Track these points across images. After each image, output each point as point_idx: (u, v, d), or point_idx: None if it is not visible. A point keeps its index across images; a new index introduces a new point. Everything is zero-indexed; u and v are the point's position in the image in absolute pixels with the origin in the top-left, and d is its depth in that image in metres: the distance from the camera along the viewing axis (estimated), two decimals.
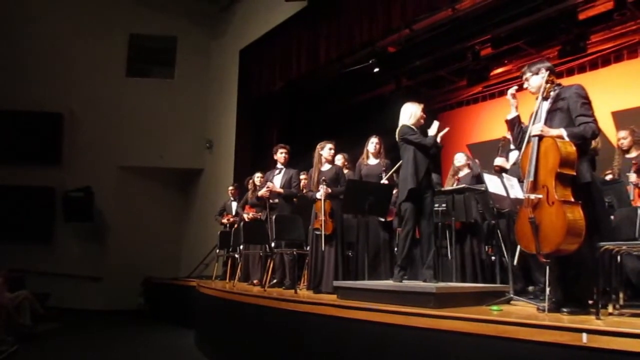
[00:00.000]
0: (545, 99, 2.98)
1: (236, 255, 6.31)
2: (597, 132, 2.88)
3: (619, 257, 3.54)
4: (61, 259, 9.42)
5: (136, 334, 7.33)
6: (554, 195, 2.73)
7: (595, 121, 2.87)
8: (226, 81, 9.72)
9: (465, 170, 4.86)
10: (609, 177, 4.49)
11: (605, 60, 6.67)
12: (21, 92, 9.35)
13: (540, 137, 2.86)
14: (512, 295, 3.44)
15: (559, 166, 2.75)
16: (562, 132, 2.82)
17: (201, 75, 10.48)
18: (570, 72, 6.79)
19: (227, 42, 10.00)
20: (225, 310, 5.23)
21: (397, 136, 3.86)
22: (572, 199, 2.74)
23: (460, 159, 4.91)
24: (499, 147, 4.35)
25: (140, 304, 9.39)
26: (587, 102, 2.88)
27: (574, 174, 2.77)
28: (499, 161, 4.20)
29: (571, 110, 2.88)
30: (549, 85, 2.95)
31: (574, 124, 2.86)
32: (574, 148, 2.78)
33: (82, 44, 9.78)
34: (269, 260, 5.24)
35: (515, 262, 4.08)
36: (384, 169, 4.53)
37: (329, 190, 4.60)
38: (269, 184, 5.37)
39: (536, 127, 2.89)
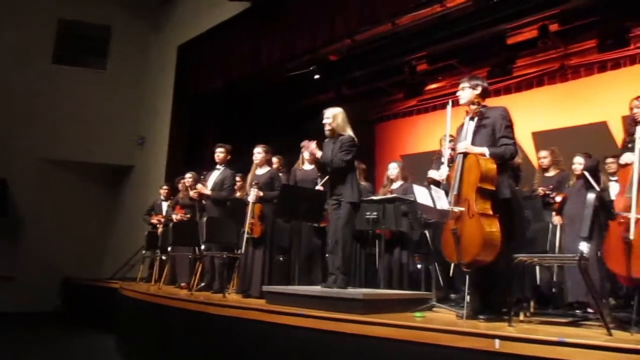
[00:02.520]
0: (471, 119, 3.16)
1: (163, 257, 6.10)
2: (515, 155, 3.10)
3: (537, 268, 3.82)
4: None
5: (52, 337, 6.86)
6: (474, 208, 2.89)
7: (515, 144, 3.09)
8: (162, 76, 9.40)
9: (399, 182, 5.00)
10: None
11: (528, 84, 7.17)
12: None
13: (465, 154, 3.03)
14: (434, 303, 3.58)
15: (480, 181, 2.92)
16: (485, 150, 3.01)
17: (136, 68, 10.05)
18: (497, 93, 7.22)
19: (166, 36, 9.69)
20: (149, 314, 5.03)
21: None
22: (491, 213, 2.91)
23: (393, 169, 5.05)
24: (434, 160, 4.53)
25: (58, 306, 8.82)
26: (510, 125, 3.09)
27: (494, 189, 2.95)
28: (432, 173, 4.37)
29: (495, 131, 3.07)
30: (475, 106, 3.13)
31: (495, 144, 3.05)
32: (494, 165, 2.96)
33: (6, 25, 9.07)
34: (197, 263, 5.11)
35: (450, 273, 4.27)
36: (319, 174, 4.57)
37: (260, 194, 4.58)
38: (198, 185, 5.25)
39: (462, 145, 3.06)
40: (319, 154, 3.83)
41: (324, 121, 3.93)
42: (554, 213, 4.14)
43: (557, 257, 3.63)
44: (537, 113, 6.89)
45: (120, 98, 9.85)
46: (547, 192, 4.40)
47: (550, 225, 3.92)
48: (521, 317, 3.03)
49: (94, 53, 10.00)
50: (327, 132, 3.92)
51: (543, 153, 4.90)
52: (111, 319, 6.49)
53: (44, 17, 9.48)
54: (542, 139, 6.56)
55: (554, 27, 5.94)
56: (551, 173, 4.77)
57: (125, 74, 9.96)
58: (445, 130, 3.53)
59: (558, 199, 4.11)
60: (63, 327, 7.78)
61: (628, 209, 2.57)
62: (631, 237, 2.46)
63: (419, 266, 4.69)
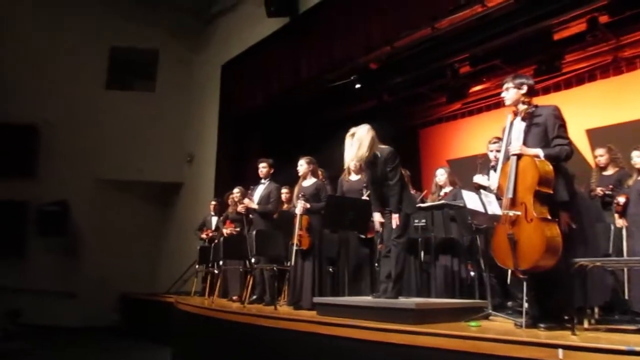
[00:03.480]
0: (523, 119, 3.05)
1: (215, 271, 6.23)
2: (570, 155, 2.95)
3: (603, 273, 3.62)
4: (34, 274, 9.15)
5: (111, 351, 7.14)
6: (532, 213, 2.78)
7: (570, 143, 2.94)
8: (208, 95, 9.68)
9: (448, 188, 4.90)
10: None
11: (579, 79, 6.86)
12: None
13: (519, 156, 2.92)
14: (490, 311, 3.46)
15: (538, 184, 2.81)
16: (539, 152, 2.89)
17: (182, 89, 10.41)
18: (545, 91, 6.96)
19: (209, 56, 9.99)
20: (203, 327, 5.14)
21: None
22: (550, 217, 2.79)
23: (441, 175, 4.95)
24: (478, 164, 4.41)
25: (116, 321, 9.17)
26: (563, 125, 2.96)
27: (552, 192, 2.83)
28: (477, 179, 4.25)
29: (548, 131, 2.95)
30: (523, 106, 3.02)
31: (548, 144, 2.93)
32: (551, 167, 2.84)
33: (61, 55, 9.65)
34: (248, 276, 5.18)
35: (508, 281, 4.12)
36: (364, 185, 4.54)
37: (307, 206, 4.60)
38: (244, 200, 5.35)
39: (515, 146, 2.95)
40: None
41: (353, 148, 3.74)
42: (616, 215, 3.91)
43: (622, 261, 3.42)
44: (590, 109, 6.58)
45: (169, 118, 10.22)
46: (607, 192, 4.17)
47: (612, 227, 3.72)
48: (585, 325, 2.87)
49: (143, 77, 10.46)
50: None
51: (599, 151, 4.67)
52: (167, 332, 6.67)
53: (99, 45, 10.01)
54: (597, 136, 6.25)
55: (603, 19, 5.66)
56: (609, 172, 4.53)
57: (172, 95, 10.33)
58: (491, 135, 3.43)
59: (621, 200, 3.88)
60: (122, 341, 8.07)
61: None
62: None
63: (472, 273, 4.55)
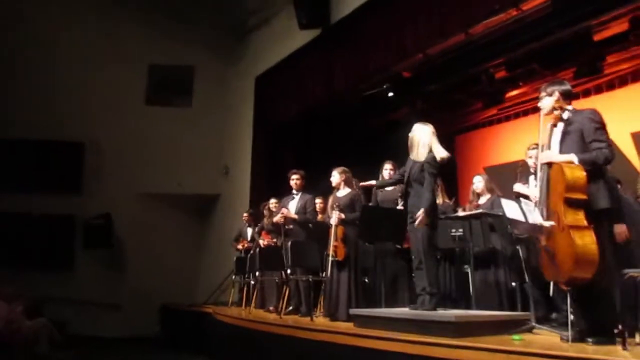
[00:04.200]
0: (554, 125, 2.97)
1: (252, 282, 6.28)
2: (610, 158, 2.81)
3: None
4: (80, 286, 9.48)
5: None
6: (564, 221, 2.68)
7: (609, 146, 2.82)
8: (242, 108, 9.85)
9: (486, 196, 4.78)
10: None
11: (622, 81, 6.59)
12: (43, 121, 9.59)
13: (550, 164, 2.84)
14: (534, 324, 3.34)
15: (566, 191, 2.70)
16: (573, 157, 2.79)
17: (218, 103, 10.64)
18: (586, 94, 6.73)
19: (243, 69, 10.18)
20: (241, 338, 5.19)
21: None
22: (584, 224, 2.67)
23: (478, 183, 4.84)
24: (518, 172, 4.29)
25: (157, 332, 9.36)
26: (600, 127, 2.84)
27: (585, 197, 2.71)
28: (518, 187, 4.14)
29: (585, 136, 2.85)
30: (557, 112, 2.94)
31: (586, 149, 2.82)
32: (582, 172, 2.72)
33: (102, 73, 10.05)
34: (284, 287, 5.20)
35: (550, 293, 3.98)
36: (399, 194, 4.50)
37: (342, 216, 4.59)
38: (283, 210, 5.37)
39: (544, 155, 2.88)
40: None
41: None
42: None
43: None
44: (634, 111, 6.30)
45: (205, 131, 10.45)
46: None
47: None
48: (637, 339, 2.73)
49: (180, 92, 10.75)
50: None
51: None
52: (206, 343, 6.76)
53: (137, 63, 10.38)
54: None
55: None
56: None
57: (208, 109, 10.57)
58: (530, 140, 3.34)
59: None
60: (162, 352, 8.21)
61: None
62: None
63: (513, 284, 4.41)
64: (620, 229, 3.33)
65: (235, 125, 10.14)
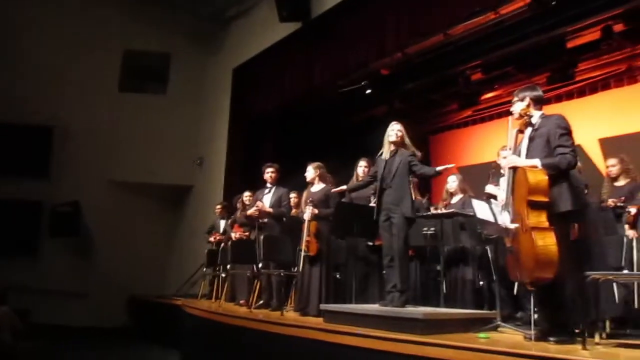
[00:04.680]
0: (520, 131, 3.04)
1: (223, 275, 6.24)
2: (573, 163, 2.89)
3: (614, 285, 3.57)
4: (46, 274, 9.23)
5: (120, 352, 7.18)
6: (527, 223, 2.75)
7: (573, 152, 2.90)
8: (219, 98, 9.74)
9: (458, 195, 4.86)
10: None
11: (592, 88, 6.78)
12: (11, 105, 9.28)
13: (515, 168, 2.91)
14: (499, 322, 3.42)
15: (529, 194, 2.77)
16: (537, 162, 2.86)
17: (194, 92, 10.48)
18: (558, 99, 6.89)
19: (222, 60, 10.05)
20: (210, 331, 5.15)
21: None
22: (546, 225, 2.74)
23: (452, 182, 4.91)
24: (490, 173, 4.37)
25: (124, 322, 9.22)
26: (566, 133, 2.91)
27: (547, 200, 2.78)
28: (489, 188, 4.22)
29: (550, 140, 2.92)
30: (524, 118, 3.01)
31: (551, 154, 2.90)
32: (544, 176, 2.79)
33: (75, 58, 9.76)
34: (256, 281, 5.18)
35: (515, 291, 4.08)
36: (372, 192, 4.52)
37: (315, 211, 4.59)
38: (258, 203, 5.33)
39: (509, 160, 2.95)
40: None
41: (394, 133, 3.90)
42: (626, 226, 3.84)
43: (634, 275, 3.37)
44: (603, 118, 6.49)
45: (180, 121, 10.29)
46: (619, 204, 4.11)
47: (625, 239, 3.66)
48: (596, 339, 2.82)
49: (155, 79, 10.55)
50: (391, 145, 3.89)
51: (611, 161, 4.60)
52: (175, 335, 6.70)
53: (112, 48, 10.13)
54: (610, 145, 6.16)
55: (618, 28, 5.59)
56: (621, 182, 4.47)
57: (184, 98, 10.41)
58: (502, 142, 3.40)
59: (632, 211, 3.82)
60: (130, 342, 8.11)
61: None
62: None
63: (481, 283, 4.50)
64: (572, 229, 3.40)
65: (211, 115, 10.02)
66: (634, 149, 5.25)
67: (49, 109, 9.55)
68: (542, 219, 2.76)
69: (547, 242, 2.67)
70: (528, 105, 3.04)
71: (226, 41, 10.05)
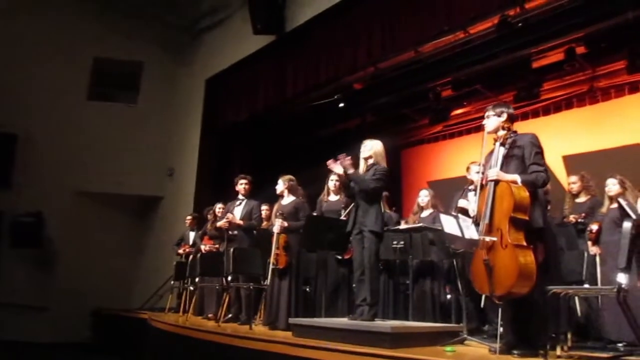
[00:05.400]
0: (502, 145, 3.09)
1: (191, 288, 6.13)
2: (547, 182, 2.99)
3: (576, 299, 3.66)
4: (5, 287, 8.88)
5: None
6: (508, 239, 2.80)
7: (546, 170, 2.99)
8: (191, 109, 9.64)
9: (429, 210, 4.92)
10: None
11: (557, 107, 7.03)
12: None
13: (496, 182, 2.96)
14: (466, 336, 3.46)
15: (513, 210, 2.83)
16: (517, 177, 2.92)
17: (166, 102, 10.34)
18: (524, 117, 7.11)
19: (194, 70, 9.98)
20: (177, 345, 5.03)
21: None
22: (525, 243, 2.81)
23: (424, 197, 4.98)
24: (465, 189, 4.45)
25: (87, 337, 8.91)
26: (540, 152, 3.01)
27: (527, 218, 2.86)
28: (462, 203, 4.29)
29: (525, 158, 3.00)
30: (505, 132, 3.06)
31: (526, 171, 2.98)
32: (527, 193, 2.87)
33: (42, 65, 9.51)
34: (225, 294, 5.10)
35: (482, 304, 4.14)
36: (343, 205, 4.54)
37: (285, 224, 4.58)
38: (228, 215, 5.28)
39: (492, 172, 2.98)
40: (350, 170, 3.81)
41: (363, 153, 3.92)
42: (589, 243, 3.97)
43: (594, 289, 3.47)
44: (567, 136, 6.74)
45: (150, 131, 10.12)
46: (580, 220, 4.25)
47: (586, 254, 3.78)
48: (558, 352, 2.89)
49: (125, 88, 10.36)
50: (362, 161, 3.92)
51: (572, 178, 4.77)
52: (140, 349, 6.52)
53: (81, 56, 9.91)
54: (573, 162, 6.39)
55: (580, 50, 5.84)
56: (582, 199, 4.62)
57: (155, 108, 10.25)
58: (474, 157, 3.47)
59: (594, 228, 3.94)
60: (94, 358, 7.84)
61: None
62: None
63: (448, 296, 4.56)
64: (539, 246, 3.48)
65: (183, 126, 9.90)
66: (595, 166, 5.46)
67: (13, 116, 9.26)
68: (520, 236, 2.82)
69: (528, 260, 2.73)
70: (506, 121, 3.11)
71: (199, 52, 9.99)
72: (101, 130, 9.73)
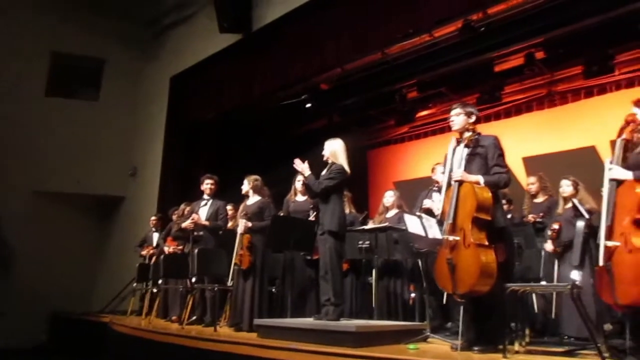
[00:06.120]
0: (466, 146, 3.15)
1: (154, 290, 6.00)
2: (508, 183, 3.08)
3: (534, 297, 3.78)
4: None
5: None
6: (470, 238, 2.86)
7: (508, 172, 3.08)
8: (155, 107, 9.43)
9: (394, 210, 4.97)
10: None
11: (517, 110, 7.25)
12: None
13: (461, 182, 3.02)
14: (429, 333, 3.52)
15: (476, 211, 2.89)
16: (480, 178, 2.99)
17: (129, 99, 10.08)
18: (487, 119, 7.28)
19: (159, 67, 9.77)
20: (140, 349, 4.91)
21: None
22: (487, 243, 2.88)
23: (389, 197, 5.02)
24: (430, 189, 4.52)
25: (44, 341, 8.59)
26: (502, 154, 3.09)
27: (490, 218, 2.93)
28: (427, 203, 4.36)
29: (488, 159, 3.07)
30: (470, 133, 3.13)
31: (488, 172, 3.05)
32: (490, 194, 2.93)
33: None
34: (189, 296, 5.02)
35: (444, 301, 4.21)
36: (311, 206, 4.54)
37: (249, 224, 4.54)
38: (194, 215, 5.19)
39: (457, 173, 3.04)
40: (307, 173, 3.83)
41: (325, 149, 3.95)
42: (550, 241, 4.10)
43: (550, 286, 3.59)
44: (527, 138, 6.95)
45: (112, 129, 9.84)
46: (538, 219, 4.39)
47: (543, 253, 3.90)
48: (516, 347, 2.98)
49: (86, 84, 10.05)
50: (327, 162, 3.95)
51: (531, 179, 4.92)
52: (101, 354, 6.34)
53: (38, 49, 9.54)
54: (532, 164, 6.60)
55: (539, 55, 6.04)
56: (540, 199, 4.78)
57: (117, 105, 9.98)
58: (437, 159, 3.52)
59: (555, 227, 4.07)
60: None
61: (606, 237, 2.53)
62: (601, 263, 2.43)
63: (412, 295, 4.63)
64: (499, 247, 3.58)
65: (146, 124, 9.68)
66: (553, 167, 5.66)
67: None
68: (482, 236, 2.89)
69: (489, 259, 2.81)
70: (474, 122, 3.17)
71: (164, 49, 9.78)
72: (60, 127, 9.40)
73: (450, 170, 3.14)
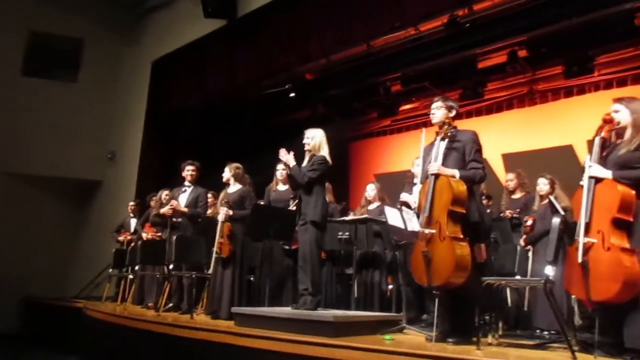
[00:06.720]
0: (443, 139, 3.18)
1: (130, 276, 5.93)
2: (484, 178, 3.14)
3: (507, 291, 3.86)
4: None
5: None
6: (445, 231, 2.91)
7: (484, 168, 3.12)
8: (136, 91, 9.25)
9: (376, 203, 5.00)
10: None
11: (498, 107, 7.34)
12: None
13: (437, 175, 3.05)
14: (405, 325, 3.57)
15: (451, 204, 2.93)
16: (456, 172, 3.03)
17: (108, 82, 9.87)
18: (469, 115, 7.36)
19: (140, 51, 9.57)
20: (115, 335, 4.87)
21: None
22: (461, 236, 2.93)
23: (371, 190, 5.04)
24: (406, 182, 4.55)
25: (15, 327, 8.43)
26: (479, 150, 3.13)
27: (464, 212, 2.97)
28: (404, 197, 4.39)
29: (465, 154, 3.11)
30: (446, 127, 3.15)
31: (465, 167, 3.09)
32: (465, 188, 2.98)
33: None
34: (166, 283, 4.98)
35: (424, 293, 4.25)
36: (292, 196, 4.54)
37: (230, 212, 4.52)
38: (172, 202, 5.13)
39: (434, 166, 3.06)
40: (292, 163, 3.82)
41: (304, 141, 3.94)
42: (524, 236, 4.19)
43: (524, 281, 3.67)
44: (507, 135, 7.05)
45: (91, 111, 9.63)
46: (515, 215, 4.48)
47: (519, 248, 3.99)
48: (489, 340, 3.04)
49: (64, 65, 9.78)
50: (306, 152, 3.93)
51: (509, 176, 5.01)
52: (74, 340, 6.26)
53: (14, 28, 9.24)
54: (511, 160, 6.70)
55: (522, 53, 6.12)
56: (517, 195, 4.87)
57: (96, 88, 9.76)
58: (418, 152, 3.54)
59: (529, 222, 4.16)
60: (24, 349, 7.44)
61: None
62: (579, 260, 2.49)
63: (390, 287, 4.68)
64: (481, 249, 3.65)
65: (126, 108, 9.49)
66: (531, 165, 5.76)
67: None
68: (457, 229, 2.93)
69: (464, 252, 2.85)
70: (454, 116, 3.20)
71: (146, 32, 9.58)
72: (37, 108, 9.14)
73: (427, 164, 3.17)
